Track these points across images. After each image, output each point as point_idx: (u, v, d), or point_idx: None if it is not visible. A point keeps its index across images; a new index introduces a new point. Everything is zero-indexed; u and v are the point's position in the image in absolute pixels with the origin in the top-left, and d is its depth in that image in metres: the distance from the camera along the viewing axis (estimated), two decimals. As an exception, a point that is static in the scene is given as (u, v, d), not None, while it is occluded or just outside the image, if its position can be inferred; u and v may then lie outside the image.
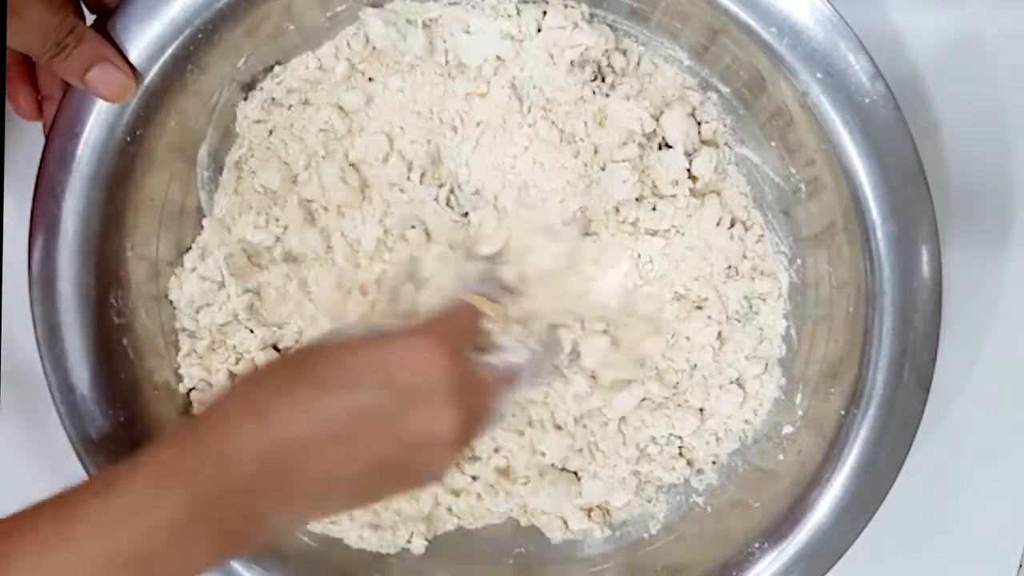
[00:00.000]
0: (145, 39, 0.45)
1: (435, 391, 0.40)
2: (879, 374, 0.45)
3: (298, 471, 0.39)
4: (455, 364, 0.41)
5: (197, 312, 0.52)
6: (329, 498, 0.41)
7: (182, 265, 0.52)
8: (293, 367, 0.41)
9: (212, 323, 0.52)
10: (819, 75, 0.44)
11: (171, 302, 0.52)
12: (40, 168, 0.47)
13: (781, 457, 0.50)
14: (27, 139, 0.50)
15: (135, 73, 0.46)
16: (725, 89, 0.50)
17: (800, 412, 0.50)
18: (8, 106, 0.48)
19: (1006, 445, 0.55)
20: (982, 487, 0.55)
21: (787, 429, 0.50)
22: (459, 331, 0.44)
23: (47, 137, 0.47)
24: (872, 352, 0.46)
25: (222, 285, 0.52)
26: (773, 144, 0.49)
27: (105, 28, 0.45)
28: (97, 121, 0.46)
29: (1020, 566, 0.55)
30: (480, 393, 0.42)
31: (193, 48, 0.46)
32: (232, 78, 0.50)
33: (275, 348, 0.53)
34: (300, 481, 0.39)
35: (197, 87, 0.48)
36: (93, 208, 0.47)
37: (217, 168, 0.52)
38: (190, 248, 0.52)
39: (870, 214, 0.44)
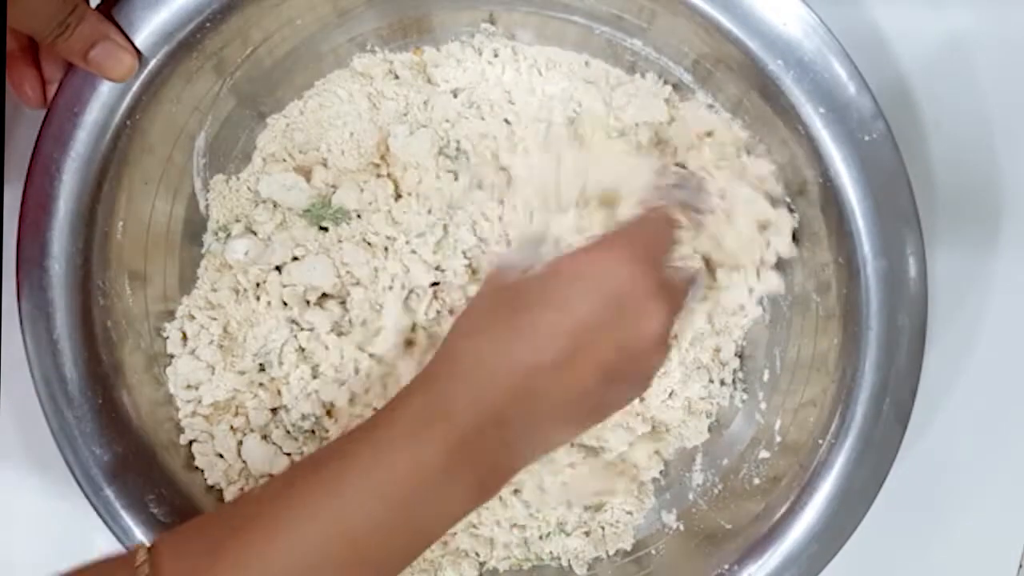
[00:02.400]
0: (152, 24, 0.45)
1: (640, 293, 0.41)
2: (858, 407, 0.46)
3: (541, 395, 0.40)
4: (650, 267, 0.42)
5: (197, 389, 0.52)
6: (571, 418, 0.42)
7: (167, 352, 0.52)
8: (502, 306, 0.42)
9: (212, 398, 0.52)
10: (821, 110, 0.44)
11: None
12: (36, 146, 0.46)
13: (756, 481, 0.51)
14: (27, 139, 0.50)
15: (138, 53, 0.45)
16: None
17: (778, 438, 0.51)
18: (8, 104, 0.48)
19: (1006, 445, 0.55)
20: (982, 487, 0.55)
21: (763, 454, 0.51)
22: (651, 239, 0.44)
23: (46, 116, 0.46)
24: (853, 384, 0.46)
25: (213, 370, 0.52)
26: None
27: (111, 13, 0.45)
28: (97, 103, 0.46)
29: (1020, 566, 0.55)
30: (674, 291, 0.43)
31: (200, 36, 0.46)
32: (236, 67, 0.50)
33: (272, 411, 0.52)
34: (545, 405, 0.41)
35: (200, 75, 0.48)
36: (87, 188, 0.47)
37: (213, 156, 0.52)
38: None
39: (862, 250, 0.45)
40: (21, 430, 0.55)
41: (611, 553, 0.53)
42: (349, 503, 0.39)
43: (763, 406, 0.52)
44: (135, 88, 0.46)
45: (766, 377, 0.52)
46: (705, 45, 0.47)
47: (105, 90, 0.46)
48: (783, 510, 0.47)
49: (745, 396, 0.53)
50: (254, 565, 0.37)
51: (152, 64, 0.46)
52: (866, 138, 0.44)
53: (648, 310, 0.41)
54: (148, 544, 0.39)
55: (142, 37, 0.45)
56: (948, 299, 0.53)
